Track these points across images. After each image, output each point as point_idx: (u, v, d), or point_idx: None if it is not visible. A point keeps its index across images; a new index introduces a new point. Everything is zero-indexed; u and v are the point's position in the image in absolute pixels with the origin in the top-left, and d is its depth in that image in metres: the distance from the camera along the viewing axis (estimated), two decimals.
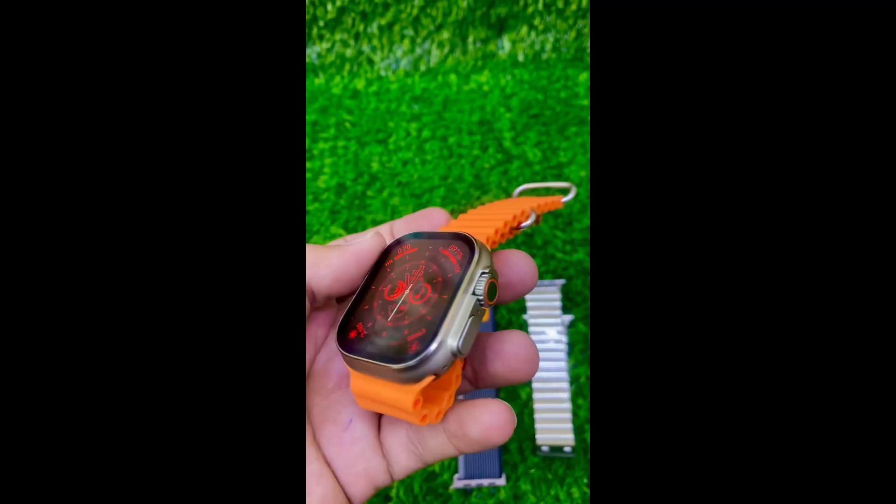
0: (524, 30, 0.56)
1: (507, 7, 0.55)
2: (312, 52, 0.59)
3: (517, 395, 0.42)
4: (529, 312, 0.43)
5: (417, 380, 0.18)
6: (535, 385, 0.41)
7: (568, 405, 0.40)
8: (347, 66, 0.59)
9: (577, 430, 0.40)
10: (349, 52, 0.58)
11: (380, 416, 0.22)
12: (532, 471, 0.39)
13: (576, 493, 0.38)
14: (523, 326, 0.43)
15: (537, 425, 0.39)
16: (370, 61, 0.58)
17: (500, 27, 0.56)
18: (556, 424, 0.39)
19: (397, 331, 0.19)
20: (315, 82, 0.59)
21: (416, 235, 0.22)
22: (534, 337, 0.42)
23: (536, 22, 0.55)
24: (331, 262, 0.21)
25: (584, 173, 0.50)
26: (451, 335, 0.18)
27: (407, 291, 0.20)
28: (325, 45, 0.58)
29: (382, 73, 0.59)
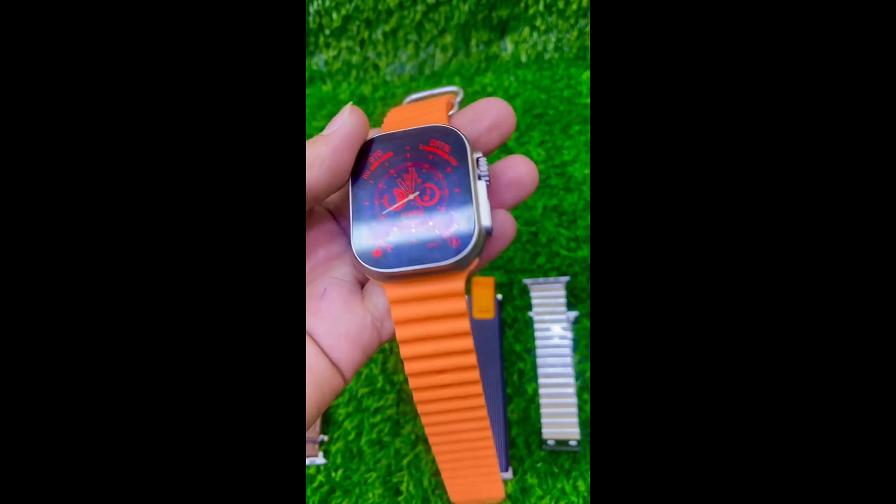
0: (526, 31, 0.57)
1: (509, 9, 0.55)
2: (320, 60, 0.60)
3: (524, 390, 0.42)
4: (535, 309, 0.44)
5: (465, 267, 0.20)
6: (541, 381, 0.42)
7: (574, 400, 0.40)
8: (354, 73, 0.60)
9: (583, 425, 0.40)
10: (355, 59, 0.59)
11: (362, 286, 0.23)
12: (538, 464, 0.40)
13: (582, 486, 0.38)
14: (529, 323, 0.44)
15: (543, 420, 0.40)
16: (376, 67, 0.60)
17: (502, 29, 0.57)
18: (561, 419, 0.40)
19: (428, 233, 0.20)
20: (323, 89, 0.60)
21: (382, 139, 0.22)
22: (539, 333, 0.43)
23: (538, 23, 0.56)
24: (322, 158, 0.20)
25: (589, 171, 0.50)
26: (484, 219, 0.20)
27: (413, 196, 0.21)
28: (332, 53, 0.59)
29: (388, 78, 0.60)
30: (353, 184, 0.22)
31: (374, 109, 0.58)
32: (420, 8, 0.56)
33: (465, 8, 0.55)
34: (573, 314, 0.43)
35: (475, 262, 0.20)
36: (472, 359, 0.21)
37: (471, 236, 0.20)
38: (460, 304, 0.20)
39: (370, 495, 0.40)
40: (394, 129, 0.23)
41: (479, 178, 0.20)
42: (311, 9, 0.56)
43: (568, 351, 0.42)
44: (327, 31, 0.58)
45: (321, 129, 0.57)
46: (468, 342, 0.21)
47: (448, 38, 0.58)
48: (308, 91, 0.60)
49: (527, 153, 0.52)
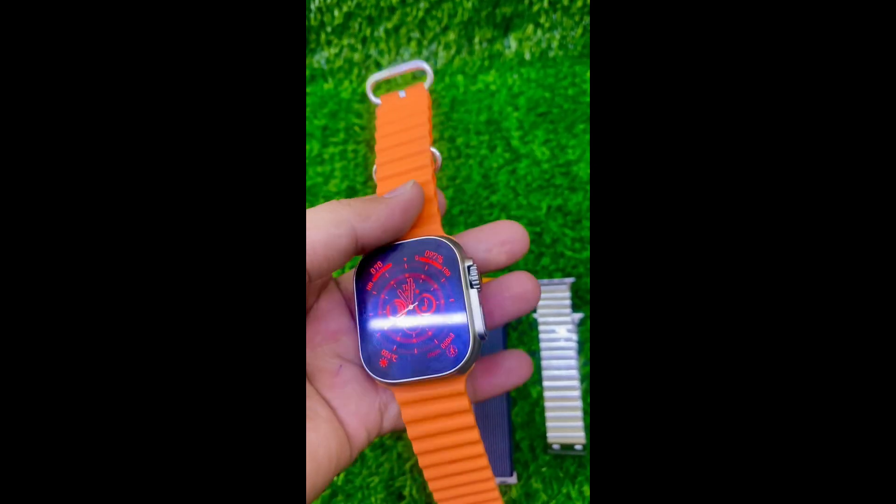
0: (530, 28, 0.56)
1: (513, 6, 0.55)
2: (321, 58, 0.59)
3: (528, 393, 0.42)
4: (539, 311, 0.43)
5: (464, 372, 0.22)
6: (545, 384, 0.41)
7: (579, 403, 0.40)
8: (356, 71, 0.59)
9: (589, 429, 0.40)
10: (357, 57, 0.59)
11: None
12: (543, 469, 0.39)
13: (587, 491, 0.38)
14: (533, 325, 0.44)
15: (548, 423, 0.40)
16: (378, 65, 0.59)
17: (505, 26, 0.56)
18: (566, 423, 0.39)
19: (427, 343, 0.22)
20: (325, 87, 0.60)
21: (381, 251, 0.23)
22: (543, 335, 0.42)
23: (542, 20, 0.55)
24: (379, 215, 0.21)
25: None
26: (478, 326, 0.22)
27: (412, 306, 0.22)
28: (334, 51, 0.59)
29: None
30: (357, 294, 0.23)
31: (375, 107, 0.57)
32: (423, 5, 0.55)
33: (469, 5, 0.55)
34: (578, 316, 0.43)
35: (473, 367, 0.22)
36: (479, 448, 0.23)
37: (467, 347, 0.21)
38: (463, 403, 0.22)
39: (372, 500, 0.40)
40: (386, 140, 0.25)
41: (472, 286, 0.22)
42: (313, 6, 0.55)
43: (573, 353, 0.41)
44: (329, 29, 0.57)
45: (322, 127, 0.57)
46: (474, 434, 0.22)
47: (451, 36, 0.57)
48: (309, 89, 0.60)
49: (531, 152, 0.51)
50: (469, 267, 0.22)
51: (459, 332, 0.21)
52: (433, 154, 0.24)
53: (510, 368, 0.25)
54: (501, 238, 0.24)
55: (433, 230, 0.23)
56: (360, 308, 0.23)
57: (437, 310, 0.22)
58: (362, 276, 0.23)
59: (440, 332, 0.22)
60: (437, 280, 0.22)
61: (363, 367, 0.23)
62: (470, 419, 0.22)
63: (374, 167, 0.25)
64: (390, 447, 0.41)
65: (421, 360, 0.22)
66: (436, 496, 0.25)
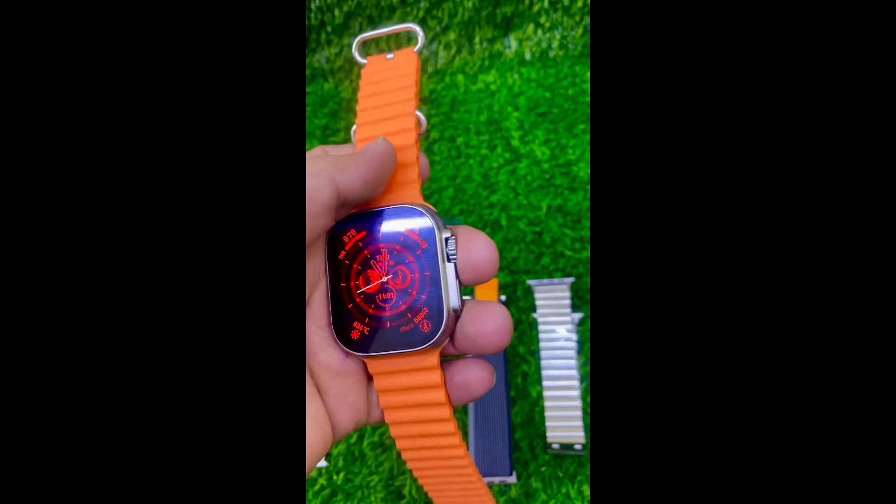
0: (530, 28, 0.56)
1: (513, 6, 0.55)
2: (322, 58, 0.59)
3: (528, 393, 0.42)
4: (539, 311, 0.43)
5: (437, 346, 0.21)
6: (545, 383, 0.41)
7: (578, 403, 0.40)
8: (356, 70, 0.59)
9: (588, 428, 0.40)
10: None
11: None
12: (543, 468, 0.39)
13: (586, 490, 0.38)
14: (533, 325, 0.44)
15: (548, 423, 0.40)
16: None
17: (506, 26, 0.56)
18: (566, 422, 0.39)
19: (400, 317, 0.21)
20: (325, 87, 0.60)
21: (354, 218, 0.22)
22: (543, 335, 0.42)
23: (542, 20, 0.55)
24: (358, 167, 0.21)
25: None
26: (453, 300, 0.21)
27: (386, 278, 0.21)
28: (334, 50, 0.59)
29: None
30: (329, 263, 0.22)
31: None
32: (423, 5, 0.55)
33: (469, 4, 0.55)
34: (578, 316, 0.43)
35: (446, 342, 0.22)
36: (449, 426, 0.22)
37: (441, 321, 0.21)
38: (435, 377, 0.21)
39: (372, 499, 0.40)
40: (368, 101, 0.23)
41: (448, 259, 0.21)
42: (313, 5, 0.55)
43: (573, 353, 0.41)
44: (329, 28, 0.57)
45: (323, 127, 0.57)
46: (444, 411, 0.22)
47: (451, 36, 0.57)
48: (309, 89, 0.60)
49: (531, 152, 0.51)
50: (447, 239, 0.21)
51: (433, 307, 0.21)
52: (418, 118, 0.23)
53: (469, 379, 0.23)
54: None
55: (412, 196, 0.22)
56: (332, 278, 0.22)
57: (412, 284, 0.21)
58: (335, 243, 0.22)
59: (414, 307, 0.21)
60: (412, 252, 0.21)
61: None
62: (440, 395, 0.21)
63: (354, 128, 0.24)
64: (390, 446, 0.41)
65: (394, 333, 0.21)
66: (409, 466, 0.24)
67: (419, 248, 0.21)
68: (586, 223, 0.47)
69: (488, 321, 0.21)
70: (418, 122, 0.23)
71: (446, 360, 0.23)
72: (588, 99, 0.53)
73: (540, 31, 0.56)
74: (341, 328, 0.22)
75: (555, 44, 0.56)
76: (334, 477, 0.41)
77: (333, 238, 0.22)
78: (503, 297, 0.45)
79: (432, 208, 0.22)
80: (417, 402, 0.22)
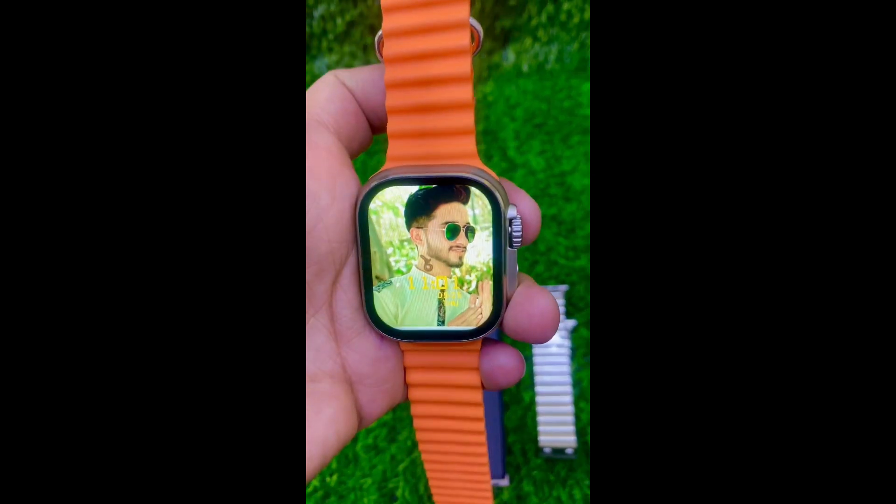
0: (528, 41, 0.57)
1: (512, 19, 0.56)
2: (322, 65, 0.60)
3: (520, 398, 0.43)
4: None
5: (479, 336, 0.19)
6: (538, 388, 0.42)
7: (570, 408, 0.41)
8: None
9: (579, 433, 0.40)
10: (357, 64, 0.59)
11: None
12: (535, 472, 0.40)
13: (577, 494, 0.38)
14: None
15: (540, 427, 0.40)
16: None
17: (504, 39, 0.58)
18: (558, 427, 0.40)
19: (450, 306, 0.19)
20: None
21: (391, 184, 0.18)
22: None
23: (540, 34, 0.56)
24: (368, 72, 0.18)
25: (588, 181, 0.51)
26: (509, 290, 0.18)
27: (434, 258, 0.19)
28: (335, 58, 0.59)
29: None
30: (360, 235, 0.19)
31: None
32: None
33: None
34: (571, 323, 0.44)
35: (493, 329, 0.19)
36: (479, 425, 0.21)
37: (495, 319, 0.18)
38: (474, 378, 0.20)
39: (365, 501, 0.40)
40: (396, 51, 0.17)
41: (512, 243, 0.18)
42: (316, 13, 0.56)
43: (565, 359, 0.42)
44: (331, 36, 0.58)
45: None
46: (478, 411, 0.20)
47: None
48: None
49: (527, 162, 0.52)
50: (512, 220, 0.18)
51: (487, 301, 0.18)
52: (474, 28, 0.17)
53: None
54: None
55: (466, 154, 0.18)
56: (364, 254, 0.19)
57: (467, 271, 0.18)
58: (366, 213, 0.18)
59: (467, 296, 0.18)
60: (469, 233, 0.18)
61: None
62: (477, 395, 0.20)
63: (378, 37, 0.17)
64: (383, 449, 0.42)
65: (439, 323, 0.19)
66: (424, 457, 0.23)
67: (479, 228, 0.18)
68: (580, 232, 0.48)
69: (536, 307, 0.18)
70: (474, 33, 0.17)
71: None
72: (583, 112, 0.54)
73: (537, 45, 0.57)
74: (383, 311, 0.19)
75: (552, 57, 0.57)
76: (327, 479, 0.41)
77: (364, 207, 0.18)
78: None
79: (492, 174, 0.18)
80: (451, 399, 0.20)
